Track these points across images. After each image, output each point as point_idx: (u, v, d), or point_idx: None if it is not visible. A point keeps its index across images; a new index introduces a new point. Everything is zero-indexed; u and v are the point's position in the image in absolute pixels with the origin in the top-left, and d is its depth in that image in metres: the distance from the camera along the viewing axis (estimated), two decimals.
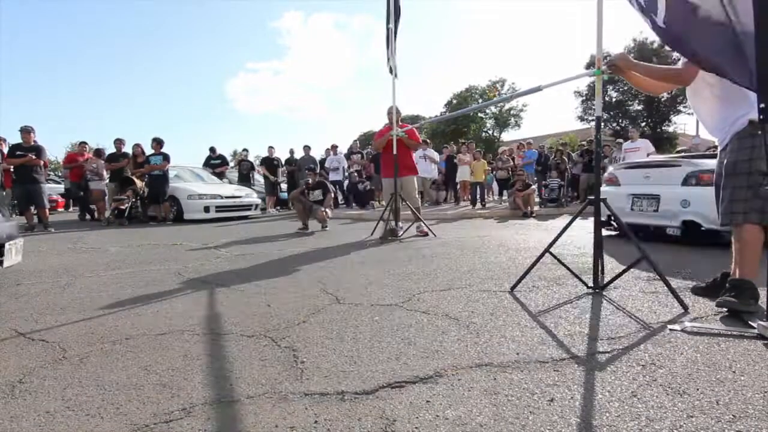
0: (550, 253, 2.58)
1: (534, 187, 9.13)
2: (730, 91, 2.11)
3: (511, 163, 10.53)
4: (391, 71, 5.13)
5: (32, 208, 7.18)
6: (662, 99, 26.66)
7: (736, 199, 2.11)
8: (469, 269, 3.16)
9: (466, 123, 35.52)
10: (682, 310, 2.14)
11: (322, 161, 11.68)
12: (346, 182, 11.54)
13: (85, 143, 9.73)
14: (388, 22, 5.04)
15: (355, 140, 14.76)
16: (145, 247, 4.84)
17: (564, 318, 2.06)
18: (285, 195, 11.25)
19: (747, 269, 2.11)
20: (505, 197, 11.04)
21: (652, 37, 25.63)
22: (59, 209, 12.51)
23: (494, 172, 11.13)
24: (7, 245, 2.89)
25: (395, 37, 5.02)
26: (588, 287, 2.55)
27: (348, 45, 76.85)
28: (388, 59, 5.10)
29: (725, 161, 2.17)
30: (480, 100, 36.08)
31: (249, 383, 1.44)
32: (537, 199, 9.58)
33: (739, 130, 2.09)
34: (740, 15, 1.63)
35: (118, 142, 8.76)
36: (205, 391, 1.39)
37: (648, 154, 8.22)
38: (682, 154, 6.99)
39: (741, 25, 1.63)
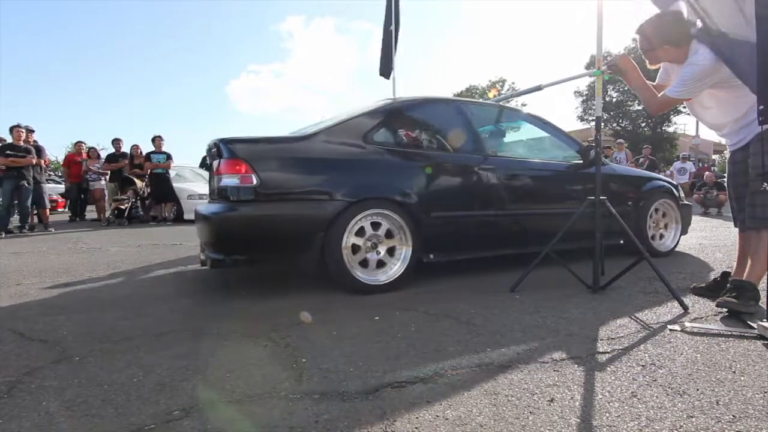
0: (551, 253, 2.58)
1: None
2: (733, 104, 2.13)
3: None
4: (381, 74, 5.17)
5: (33, 207, 7.17)
6: None
7: (763, 203, 2.05)
8: (469, 269, 3.16)
9: None
10: (682, 310, 2.15)
11: None
12: None
13: (81, 143, 9.71)
14: (388, 25, 5.05)
15: None
16: (145, 247, 4.83)
17: (564, 318, 2.06)
18: None
19: (755, 273, 2.09)
20: None
21: None
22: (59, 209, 12.50)
23: None
24: None
25: (395, 40, 5.03)
26: (588, 287, 2.55)
27: (349, 48, 77.01)
28: (381, 61, 5.14)
29: (750, 163, 2.11)
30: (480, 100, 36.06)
31: (249, 383, 1.43)
32: None
33: (762, 131, 2.00)
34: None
35: (117, 142, 8.76)
36: (205, 391, 1.39)
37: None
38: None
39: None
